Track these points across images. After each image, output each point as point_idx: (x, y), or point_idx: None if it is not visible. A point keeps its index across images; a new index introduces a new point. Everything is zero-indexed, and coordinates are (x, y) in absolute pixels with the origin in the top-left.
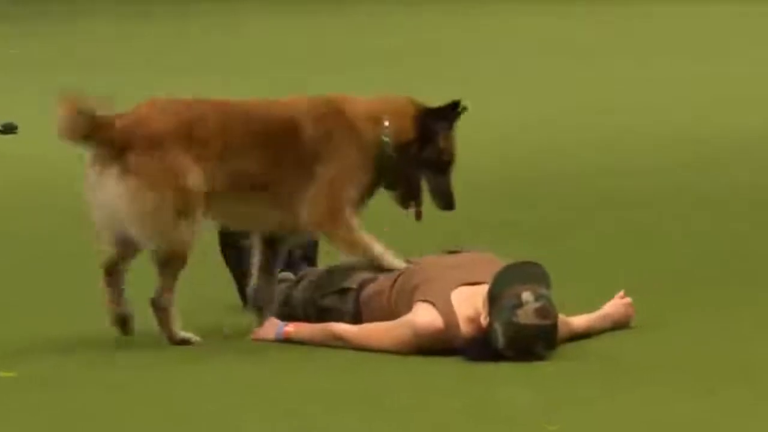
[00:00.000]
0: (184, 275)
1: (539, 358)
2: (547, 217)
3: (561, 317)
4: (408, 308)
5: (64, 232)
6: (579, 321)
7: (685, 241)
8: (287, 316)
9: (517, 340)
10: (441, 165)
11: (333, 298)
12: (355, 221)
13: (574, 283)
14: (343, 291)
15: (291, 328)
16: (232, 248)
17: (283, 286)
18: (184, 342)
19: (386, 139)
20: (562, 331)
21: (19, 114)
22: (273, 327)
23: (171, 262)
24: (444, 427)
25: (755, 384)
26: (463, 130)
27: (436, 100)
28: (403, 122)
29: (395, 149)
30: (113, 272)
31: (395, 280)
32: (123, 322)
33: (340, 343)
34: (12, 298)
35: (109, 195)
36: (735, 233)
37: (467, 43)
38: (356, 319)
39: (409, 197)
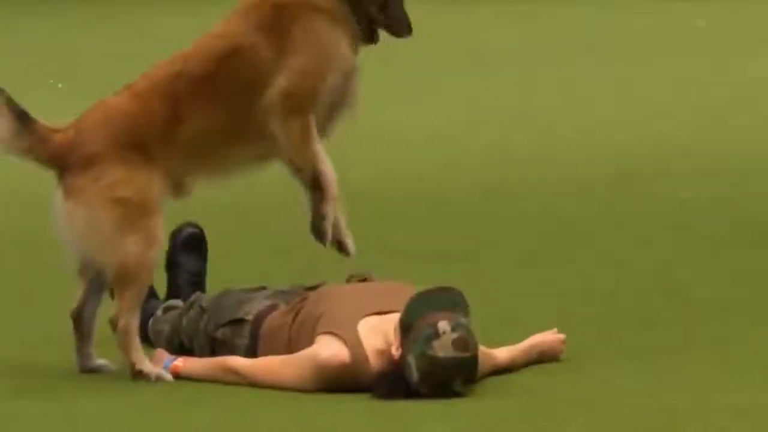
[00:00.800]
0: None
1: (457, 394)
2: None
3: (482, 349)
4: (310, 341)
5: None
6: (502, 353)
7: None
8: (176, 348)
9: (433, 374)
10: None
11: (225, 330)
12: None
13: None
14: (237, 322)
15: (180, 362)
16: None
17: (171, 314)
18: (142, 375)
19: None
20: (482, 364)
21: None
22: (160, 361)
23: (125, 282)
24: None
25: (684, 424)
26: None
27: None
28: None
29: None
30: (78, 321)
31: (297, 314)
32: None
33: (234, 379)
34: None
35: (56, 216)
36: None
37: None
38: (252, 353)
39: (372, 30)
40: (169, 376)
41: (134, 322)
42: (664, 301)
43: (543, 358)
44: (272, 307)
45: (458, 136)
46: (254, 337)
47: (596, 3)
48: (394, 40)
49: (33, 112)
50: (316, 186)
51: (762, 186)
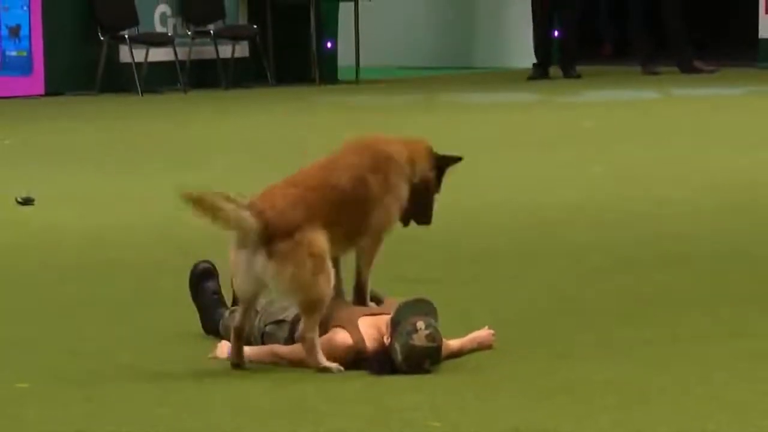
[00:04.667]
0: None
1: (427, 371)
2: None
3: (444, 340)
4: (327, 333)
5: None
6: (455, 343)
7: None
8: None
9: (412, 357)
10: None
11: (272, 326)
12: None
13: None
14: (280, 321)
15: None
16: (200, 288)
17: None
18: (327, 369)
19: (416, 180)
20: (444, 351)
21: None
22: (226, 348)
23: (314, 309)
24: (353, 421)
25: (565, 375)
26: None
27: None
28: (426, 165)
29: (419, 185)
30: (241, 333)
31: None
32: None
33: (277, 361)
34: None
35: (259, 270)
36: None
37: None
38: (290, 343)
39: (413, 218)
40: (340, 369)
41: (317, 337)
42: (554, 307)
43: (481, 347)
44: None
45: None
46: (291, 331)
47: (547, 106)
48: None
49: None
50: (359, 290)
51: (623, 233)
